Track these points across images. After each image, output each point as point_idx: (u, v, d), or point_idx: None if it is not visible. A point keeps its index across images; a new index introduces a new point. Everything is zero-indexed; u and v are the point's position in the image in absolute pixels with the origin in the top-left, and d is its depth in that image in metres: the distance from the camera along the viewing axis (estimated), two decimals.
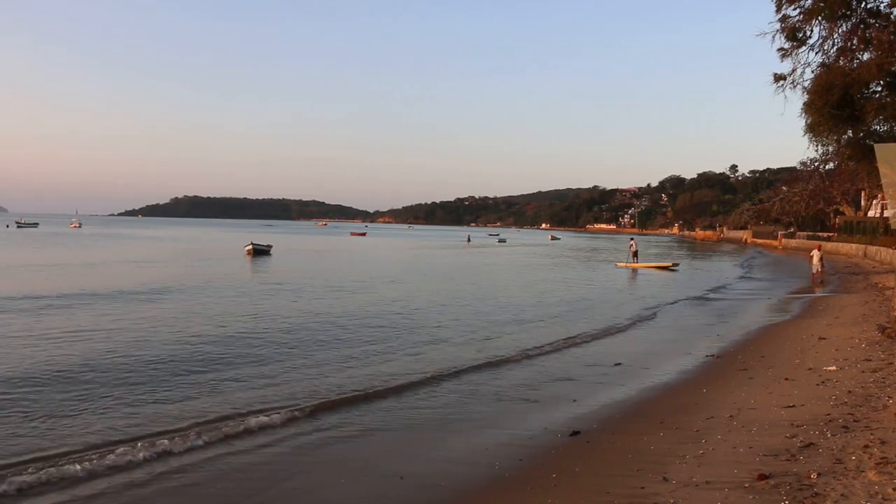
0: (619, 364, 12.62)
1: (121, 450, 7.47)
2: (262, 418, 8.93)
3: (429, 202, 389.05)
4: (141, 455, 7.37)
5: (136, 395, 10.00)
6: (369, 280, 31.38)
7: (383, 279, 31.99)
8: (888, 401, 7.77)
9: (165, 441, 7.83)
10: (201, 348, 13.75)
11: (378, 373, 12.02)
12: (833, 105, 16.12)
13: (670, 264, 44.40)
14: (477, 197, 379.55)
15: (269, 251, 49.31)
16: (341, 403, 9.88)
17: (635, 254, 45.64)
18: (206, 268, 36.61)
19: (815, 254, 31.35)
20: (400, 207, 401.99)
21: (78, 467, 6.94)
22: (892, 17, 15.54)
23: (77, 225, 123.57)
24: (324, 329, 16.66)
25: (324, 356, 13.39)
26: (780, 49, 16.66)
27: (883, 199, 46.85)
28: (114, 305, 20.00)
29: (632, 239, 52.80)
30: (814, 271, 30.86)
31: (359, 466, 7.21)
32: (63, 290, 23.13)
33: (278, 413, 9.19)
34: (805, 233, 79.47)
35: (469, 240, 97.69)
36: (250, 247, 48.09)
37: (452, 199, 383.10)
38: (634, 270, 41.68)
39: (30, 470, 6.86)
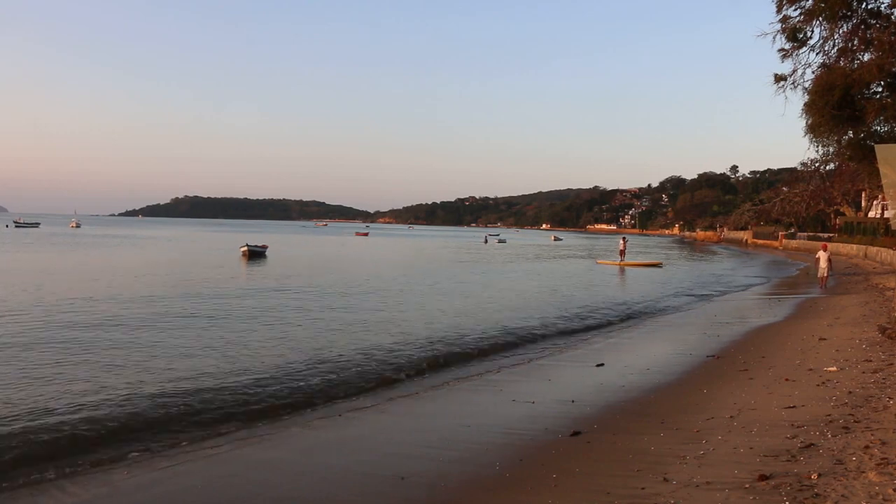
0: (602, 364, 12.48)
1: None
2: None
3: (429, 202, 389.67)
4: None
5: None
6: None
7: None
8: (889, 401, 7.77)
9: None
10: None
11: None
12: (834, 105, 16.15)
13: (657, 262, 44.50)
14: (477, 197, 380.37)
15: (264, 252, 48.98)
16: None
17: (622, 252, 45.78)
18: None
19: (822, 255, 27.94)
20: (400, 207, 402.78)
21: None
22: (892, 17, 15.56)
23: (76, 225, 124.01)
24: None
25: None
26: (781, 50, 16.72)
27: (883, 199, 46.86)
28: None
29: (622, 238, 52.92)
30: (820, 275, 27.68)
31: (358, 467, 7.21)
32: None
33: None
34: (806, 233, 79.51)
35: (486, 240, 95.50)
36: (245, 248, 47.78)
37: (453, 199, 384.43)
38: (622, 269, 41.69)
39: None
